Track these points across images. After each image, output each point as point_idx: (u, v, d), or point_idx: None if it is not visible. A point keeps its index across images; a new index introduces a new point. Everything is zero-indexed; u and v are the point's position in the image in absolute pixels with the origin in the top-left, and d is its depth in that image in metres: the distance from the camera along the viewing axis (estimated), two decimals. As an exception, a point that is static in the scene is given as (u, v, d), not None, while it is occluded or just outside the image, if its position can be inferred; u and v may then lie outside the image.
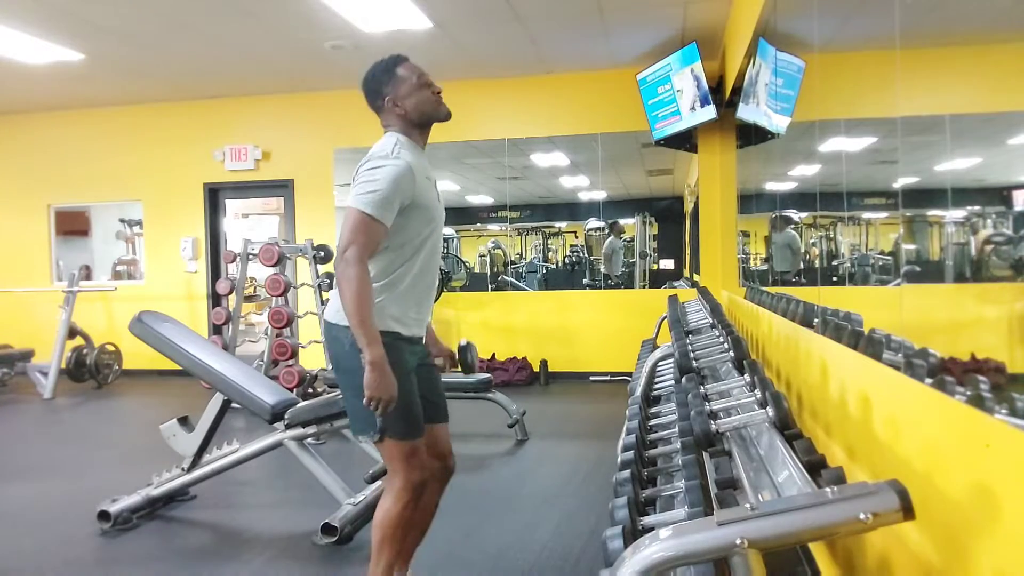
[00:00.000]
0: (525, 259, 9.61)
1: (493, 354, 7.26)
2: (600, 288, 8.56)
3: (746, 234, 5.78)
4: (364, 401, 1.96)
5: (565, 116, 7.27)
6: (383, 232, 2.03)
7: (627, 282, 8.64)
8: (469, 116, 7.17)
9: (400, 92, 2.19)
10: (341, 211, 7.71)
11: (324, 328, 2.22)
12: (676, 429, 1.97)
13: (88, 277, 8.56)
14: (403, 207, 2.07)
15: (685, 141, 6.71)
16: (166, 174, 8.02)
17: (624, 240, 8.78)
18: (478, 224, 9.49)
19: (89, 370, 7.17)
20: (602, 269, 8.65)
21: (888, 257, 2.15)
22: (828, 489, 1.06)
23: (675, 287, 7.51)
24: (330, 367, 2.40)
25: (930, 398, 1.25)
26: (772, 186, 4.30)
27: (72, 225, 8.84)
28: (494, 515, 3.40)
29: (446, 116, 2.26)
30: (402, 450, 2.12)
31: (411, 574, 2.36)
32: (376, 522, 2.17)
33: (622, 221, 8.98)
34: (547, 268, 9.66)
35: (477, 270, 9.47)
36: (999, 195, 1.49)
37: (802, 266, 3.46)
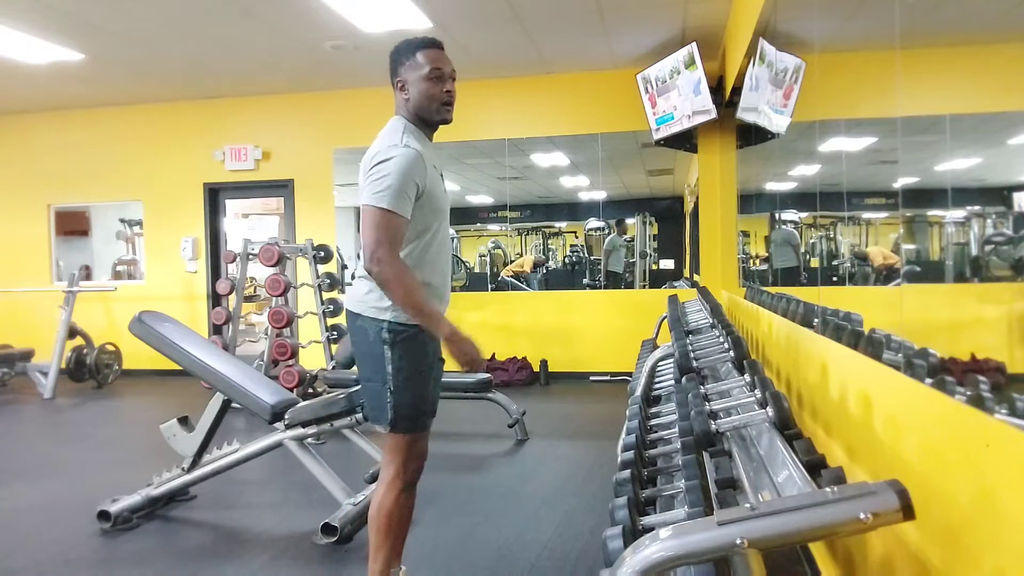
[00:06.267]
0: (525, 259, 9.61)
1: (493, 354, 7.26)
2: (600, 288, 8.56)
3: (746, 234, 5.78)
4: (464, 369, 2.02)
5: (565, 116, 7.27)
6: (405, 224, 2.02)
7: (628, 281, 8.64)
8: (469, 116, 7.15)
9: (410, 78, 2.12)
10: (341, 211, 7.71)
11: (348, 317, 2.20)
12: (676, 429, 1.97)
13: (88, 277, 8.56)
14: (418, 195, 2.04)
15: (685, 141, 6.70)
16: (166, 174, 8.02)
17: (625, 240, 8.78)
18: (478, 224, 9.48)
19: (89, 370, 7.17)
20: (602, 267, 8.64)
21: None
22: (828, 489, 1.06)
23: (675, 287, 7.50)
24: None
25: (930, 398, 1.25)
26: (772, 186, 4.30)
27: (72, 225, 8.84)
28: (494, 515, 3.40)
29: (442, 120, 2.16)
30: (406, 441, 2.17)
31: (405, 570, 2.37)
32: (372, 514, 2.20)
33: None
34: (547, 268, 9.65)
35: (477, 270, 9.47)
36: (999, 195, 1.49)
37: (799, 262, 3.45)
